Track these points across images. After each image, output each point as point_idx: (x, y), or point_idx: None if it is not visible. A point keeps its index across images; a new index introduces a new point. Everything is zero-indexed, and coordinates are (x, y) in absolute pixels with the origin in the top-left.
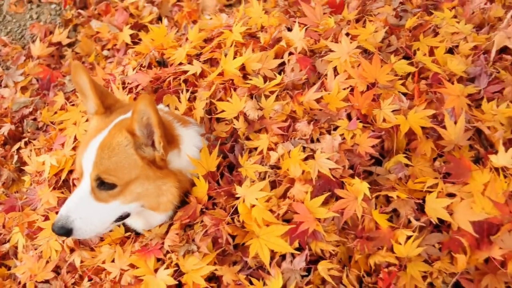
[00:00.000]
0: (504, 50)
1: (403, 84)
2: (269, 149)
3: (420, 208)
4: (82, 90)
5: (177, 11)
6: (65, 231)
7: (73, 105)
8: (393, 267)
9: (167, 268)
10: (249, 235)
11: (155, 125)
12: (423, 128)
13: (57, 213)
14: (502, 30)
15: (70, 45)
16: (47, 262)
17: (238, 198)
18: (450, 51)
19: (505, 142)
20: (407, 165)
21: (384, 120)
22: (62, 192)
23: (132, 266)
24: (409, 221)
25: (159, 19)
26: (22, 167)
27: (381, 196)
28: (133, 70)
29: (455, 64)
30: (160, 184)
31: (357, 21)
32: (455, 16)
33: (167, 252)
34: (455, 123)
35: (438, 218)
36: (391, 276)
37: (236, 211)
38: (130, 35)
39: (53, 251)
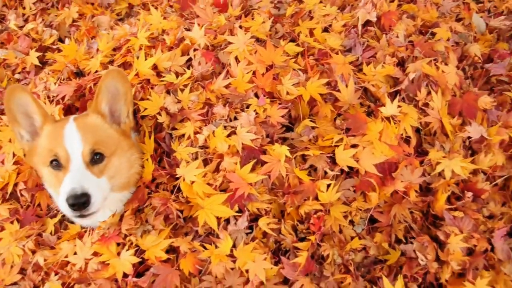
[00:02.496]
0: (367, 23)
1: (295, 62)
2: (195, 133)
3: (332, 161)
4: (23, 110)
5: (75, 30)
6: (85, 199)
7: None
8: (320, 212)
9: (128, 249)
10: (195, 208)
11: (126, 93)
12: (321, 94)
13: (18, 222)
14: (362, 8)
15: None
16: (12, 266)
17: (177, 178)
18: (326, 30)
19: (388, 95)
20: (313, 128)
21: (287, 93)
22: (11, 204)
23: (95, 254)
24: (325, 173)
25: (60, 40)
26: None
27: (298, 156)
28: (55, 84)
29: (333, 40)
30: (129, 156)
31: (246, 15)
32: (321, 1)
33: (125, 236)
34: (346, 86)
35: (348, 166)
36: (319, 220)
37: (178, 190)
38: (37, 57)
39: (15, 256)
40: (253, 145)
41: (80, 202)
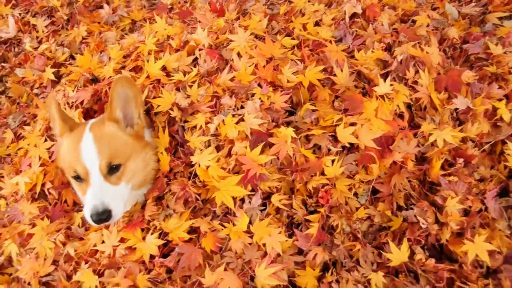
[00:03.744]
0: (354, 15)
1: (293, 54)
2: (206, 123)
3: (334, 139)
4: (51, 117)
5: (85, 47)
6: (107, 215)
7: (22, 137)
8: (327, 186)
9: (152, 233)
10: (211, 190)
11: (135, 97)
12: (319, 80)
13: (47, 218)
14: (348, 2)
15: (2, 93)
16: (45, 259)
17: (193, 165)
18: (317, 24)
19: (380, 76)
20: (314, 111)
21: (288, 81)
22: (40, 202)
23: (122, 241)
24: (329, 150)
25: (71, 57)
26: None
27: (302, 137)
28: (73, 91)
29: (325, 32)
30: (144, 155)
31: (243, 16)
32: (309, 0)
33: (149, 221)
34: (341, 71)
35: (349, 143)
36: (327, 193)
37: (194, 176)
38: (52, 73)
39: (47, 249)
40: (260, 129)
41: (102, 218)
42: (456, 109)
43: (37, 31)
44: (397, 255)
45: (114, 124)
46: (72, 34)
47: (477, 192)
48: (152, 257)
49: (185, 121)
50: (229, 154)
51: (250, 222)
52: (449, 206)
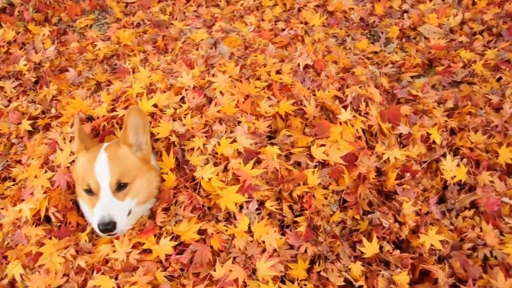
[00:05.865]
0: (305, 67)
1: (264, 92)
2: (204, 145)
3: (310, 156)
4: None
5: (56, 103)
6: (112, 225)
7: (9, 178)
8: (309, 193)
9: (165, 237)
10: (214, 199)
11: (144, 125)
12: (292, 111)
13: (55, 237)
14: (299, 57)
15: None
16: (56, 273)
17: (195, 180)
18: (278, 72)
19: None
20: (289, 136)
21: (265, 113)
22: (44, 226)
23: (134, 247)
24: (307, 165)
25: (43, 112)
26: None
27: (283, 155)
28: (70, 128)
29: (287, 78)
30: (149, 176)
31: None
32: (264, 58)
33: (160, 227)
34: (309, 103)
35: (322, 160)
36: (309, 199)
37: (198, 188)
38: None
39: (57, 264)
40: (251, 147)
41: (108, 228)
42: (399, 134)
43: (5, 92)
44: (369, 248)
45: (127, 148)
46: (42, 93)
47: (422, 200)
48: (167, 257)
49: (183, 145)
50: (225, 169)
51: (249, 224)
52: (405, 208)
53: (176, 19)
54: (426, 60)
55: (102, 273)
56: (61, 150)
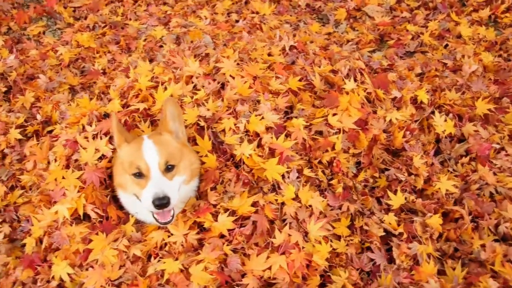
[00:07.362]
0: (290, 48)
1: (268, 72)
2: (234, 125)
3: (329, 125)
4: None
5: (38, 109)
6: (167, 200)
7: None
8: (336, 158)
9: (222, 214)
10: (256, 173)
11: (179, 115)
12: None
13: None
14: (283, 40)
15: None
16: (112, 265)
17: (233, 158)
18: (270, 54)
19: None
20: (303, 109)
21: (277, 90)
22: (85, 224)
23: (190, 229)
24: (329, 133)
25: (25, 120)
26: None
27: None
28: (90, 126)
29: (279, 59)
30: (190, 157)
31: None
32: (248, 43)
33: (214, 205)
34: (315, 78)
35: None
36: (338, 163)
37: (242, 164)
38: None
39: (111, 257)
40: (279, 122)
41: (163, 203)
42: (393, 98)
43: None
44: (395, 200)
45: (169, 134)
46: (19, 101)
47: (429, 152)
48: (229, 231)
49: (213, 128)
50: (259, 145)
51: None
52: (415, 161)
53: (130, 19)
54: (378, 35)
55: (162, 257)
56: (84, 149)
